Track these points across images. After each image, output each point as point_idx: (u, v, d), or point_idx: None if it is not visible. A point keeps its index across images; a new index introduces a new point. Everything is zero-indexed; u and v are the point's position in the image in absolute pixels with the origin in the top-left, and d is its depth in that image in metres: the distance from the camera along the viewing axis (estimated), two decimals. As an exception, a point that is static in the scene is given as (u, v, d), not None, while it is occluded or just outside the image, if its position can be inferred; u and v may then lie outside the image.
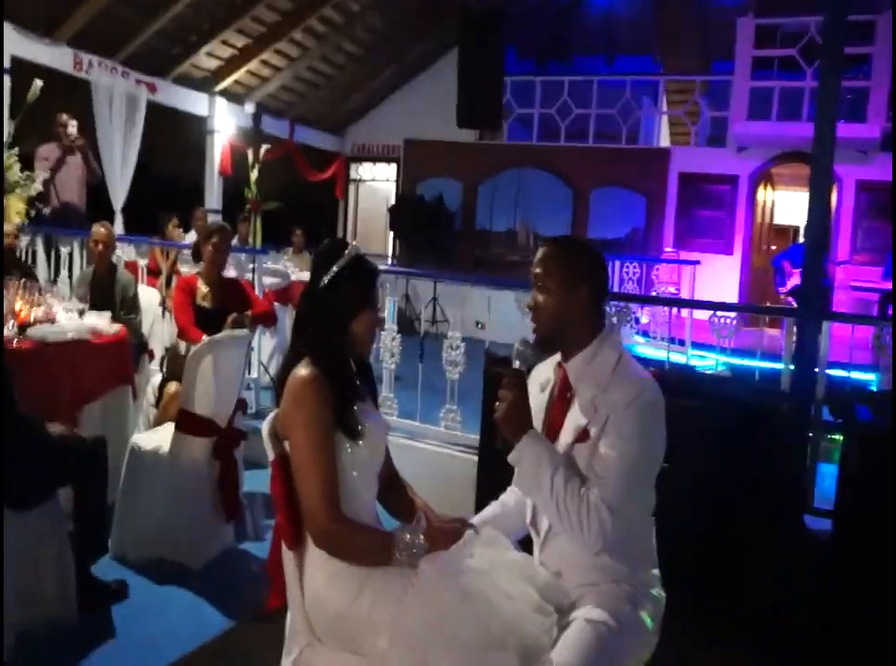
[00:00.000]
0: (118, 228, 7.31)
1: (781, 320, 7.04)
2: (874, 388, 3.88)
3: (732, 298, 9.16)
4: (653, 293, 8.95)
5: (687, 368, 4.72)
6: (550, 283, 1.63)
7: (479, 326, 7.13)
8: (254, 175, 8.14)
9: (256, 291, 4.67)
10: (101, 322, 3.52)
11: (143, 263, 5.73)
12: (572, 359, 1.66)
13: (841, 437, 2.82)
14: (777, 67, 9.40)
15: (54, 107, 5.99)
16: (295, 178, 10.49)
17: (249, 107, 9.49)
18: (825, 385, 3.25)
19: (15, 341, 3.04)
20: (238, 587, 2.92)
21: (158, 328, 4.84)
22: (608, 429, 1.55)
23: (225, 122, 9.28)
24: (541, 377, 1.75)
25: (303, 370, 1.60)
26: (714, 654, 2.53)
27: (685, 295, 9.02)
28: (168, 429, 3.11)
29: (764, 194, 10.05)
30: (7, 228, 4.09)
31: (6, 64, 6.41)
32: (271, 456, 1.66)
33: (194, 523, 3.00)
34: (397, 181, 11.71)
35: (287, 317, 6.13)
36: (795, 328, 3.30)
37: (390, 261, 10.96)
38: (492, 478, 2.00)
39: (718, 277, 9.27)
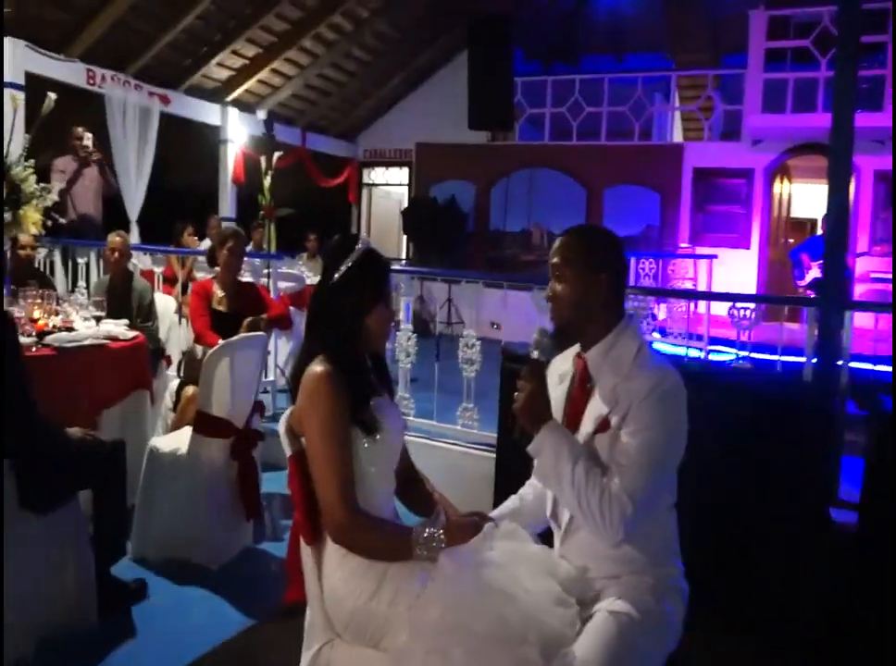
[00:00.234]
0: (134, 238, 7.39)
1: (801, 314, 7.01)
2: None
3: (750, 292, 9.05)
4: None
5: (707, 361, 4.66)
6: (568, 272, 1.61)
7: (495, 326, 7.13)
8: (267, 182, 8.18)
9: (272, 295, 4.69)
10: (118, 328, 3.55)
11: (158, 270, 5.79)
12: (591, 349, 1.63)
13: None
14: (790, 59, 9.30)
15: (69, 121, 6.06)
16: (308, 184, 10.54)
17: (261, 116, 9.58)
18: (848, 376, 3.20)
19: (34, 348, 3.08)
20: (257, 587, 2.92)
21: (175, 335, 4.88)
22: (629, 419, 1.52)
23: (237, 131, 9.36)
24: (560, 369, 1.73)
25: (317, 367, 1.59)
26: (737, 650, 2.48)
27: (702, 290, 8.94)
28: (186, 432, 3.12)
29: (780, 187, 9.93)
30: (25, 238, 4.14)
31: (21, 80, 6.53)
32: (288, 452, 1.66)
33: (213, 523, 3.01)
34: (410, 185, 11.73)
35: (302, 321, 6.13)
36: (817, 320, 3.25)
37: (403, 263, 10.97)
38: (510, 476, 1.97)
39: (735, 272, 9.18)
